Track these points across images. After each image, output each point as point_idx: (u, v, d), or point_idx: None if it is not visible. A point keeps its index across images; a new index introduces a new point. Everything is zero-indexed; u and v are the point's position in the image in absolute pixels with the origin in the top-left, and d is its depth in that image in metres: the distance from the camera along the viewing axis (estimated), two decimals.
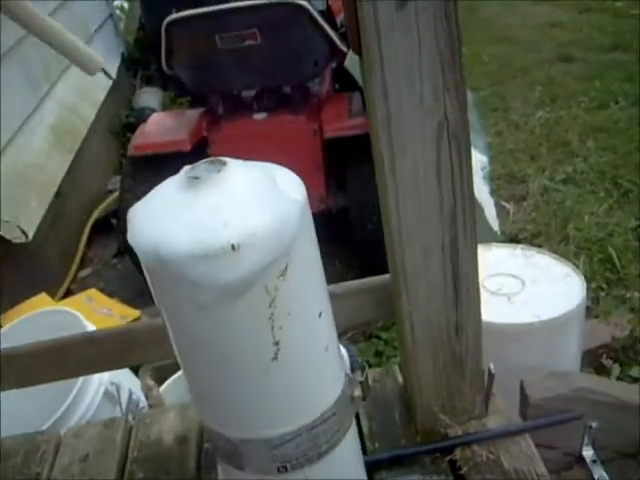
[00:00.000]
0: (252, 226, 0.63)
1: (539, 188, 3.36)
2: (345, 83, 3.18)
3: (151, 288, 0.71)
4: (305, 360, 0.74)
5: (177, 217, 0.65)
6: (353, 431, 0.88)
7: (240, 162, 0.70)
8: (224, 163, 0.67)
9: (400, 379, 1.33)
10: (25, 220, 2.86)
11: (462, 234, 1.02)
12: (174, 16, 2.55)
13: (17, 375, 1.24)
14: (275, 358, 0.70)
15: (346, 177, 2.78)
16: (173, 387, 1.77)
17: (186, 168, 0.69)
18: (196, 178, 0.66)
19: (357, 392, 0.84)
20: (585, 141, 3.73)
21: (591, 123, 3.93)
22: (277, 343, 0.69)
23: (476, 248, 1.04)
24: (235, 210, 0.64)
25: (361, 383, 0.85)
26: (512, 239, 3.01)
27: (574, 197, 3.22)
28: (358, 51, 0.92)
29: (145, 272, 0.69)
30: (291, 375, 0.73)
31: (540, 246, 2.94)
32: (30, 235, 2.80)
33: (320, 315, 0.74)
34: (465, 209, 0.99)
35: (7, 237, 2.69)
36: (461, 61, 0.89)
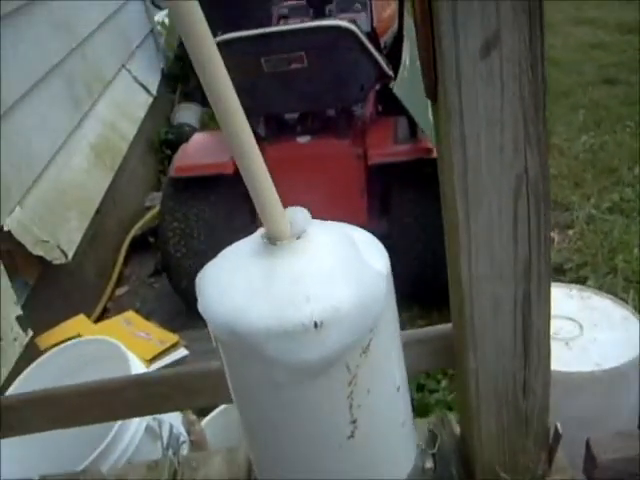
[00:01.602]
0: (336, 301, 0.58)
1: (584, 216, 3.28)
2: (388, 106, 3.14)
3: (222, 358, 0.66)
4: (382, 437, 0.69)
5: (254, 288, 0.61)
6: None
7: (319, 224, 0.66)
8: (304, 229, 0.63)
9: (456, 430, 1.27)
10: (65, 240, 2.85)
11: (535, 289, 0.96)
12: (220, 38, 2.54)
13: (63, 416, 1.21)
14: (351, 436, 0.65)
15: (389, 204, 2.74)
16: (215, 422, 1.73)
17: (262, 231, 0.64)
18: (274, 244, 0.61)
19: (429, 464, 0.79)
20: (632, 168, 3.64)
21: (638, 149, 3.84)
22: (354, 421, 0.65)
23: (549, 304, 0.98)
24: (318, 282, 0.59)
25: (433, 455, 0.80)
26: (557, 269, 2.94)
27: (622, 227, 3.14)
28: (433, 98, 0.88)
29: (216, 343, 0.65)
30: (366, 453, 0.68)
31: (586, 278, 2.87)
32: (70, 255, 2.79)
33: (398, 389, 0.69)
34: (540, 263, 0.94)
35: (47, 258, 2.67)
36: (545, 113, 0.83)
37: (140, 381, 1.20)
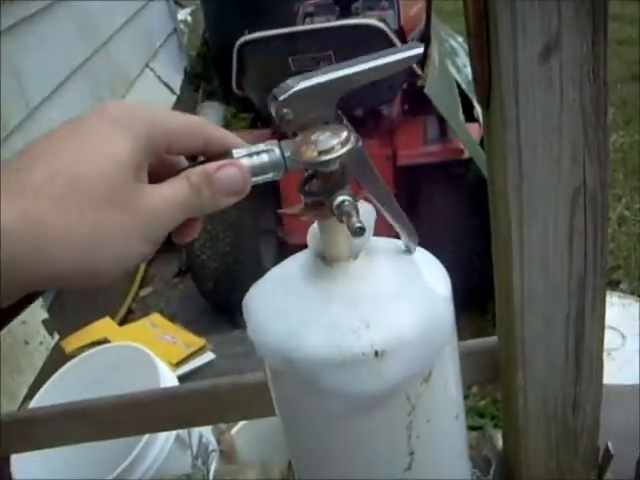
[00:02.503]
0: (399, 329, 0.54)
1: (616, 218, 3.21)
2: (415, 105, 3.09)
3: (270, 386, 0.62)
4: (439, 468, 0.65)
5: (308, 313, 0.57)
6: None
7: (375, 240, 0.61)
8: (361, 248, 0.58)
9: (499, 445, 1.23)
10: None
11: (590, 305, 0.92)
12: (247, 37, 2.50)
13: (90, 430, 1.18)
14: (408, 469, 0.61)
15: (419, 206, 2.69)
16: (244, 431, 1.69)
17: (314, 249, 0.60)
18: (329, 265, 0.57)
19: None
20: None
21: None
22: (412, 453, 0.60)
23: (604, 320, 0.94)
24: (378, 308, 0.55)
25: None
26: None
27: None
28: (486, 104, 0.83)
29: (267, 371, 0.61)
30: None
31: (619, 281, 2.81)
32: None
33: (457, 417, 0.64)
34: (596, 278, 0.89)
35: None
36: (606, 121, 0.79)
37: (173, 394, 1.17)
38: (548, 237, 0.86)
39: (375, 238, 0.61)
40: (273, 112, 0.56)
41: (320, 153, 0.53)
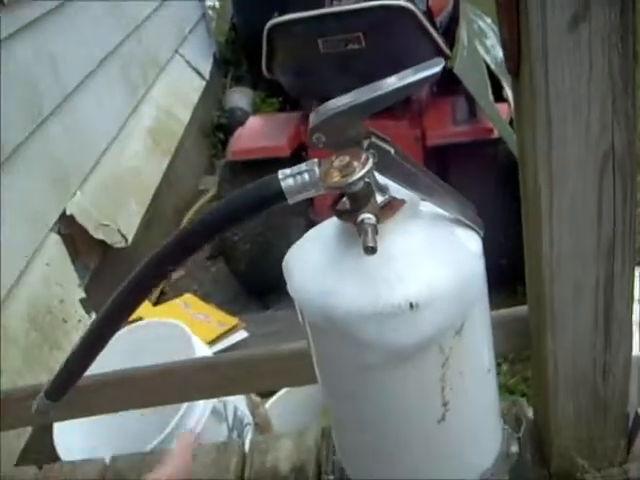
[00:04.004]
0: (432, 282, 0.57)
1: None
2: (443, 86, 3.09)
3: (309, 341, 0.66)
4: (472, 421, 0.68)
5: (345, 269, 0.60)
6: None
7: (412, 200, 0.64)
8: (396, 208, 0.61)
9: (529, 414, 1.25)
10: (125, 224, 2.88)
11: (620, 271, 0.93)
12: (277, 20, 2.52)
13: (132, 398, 1.22)
14: (442, 420, 0.64)
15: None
16: (278, 404, 1.73)
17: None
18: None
19: (514, 448, 0.78)
20: None
21: None
22: (445, 404, 0.63)
23: (632, 287, 0.95)
24: (412, 262, 0.58)
25: (519, 439, 0.78)
26: None
27: None
28: (515, 74, 0.85)
29: (306, 326, 0.64)
30: (456, 436, 0.67)
31: None
32: (130, 239, 2.82)
33: (489, 371, 0.67)
34: (625, 245, 0.91)
35: (108, 241, 2.71)
36: (634, 89, 0.80)
37: (209, 363, 1.21)
38: (577, 203, 0.88)
39: (413, 199, 0.64)
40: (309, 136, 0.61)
41: (343, 177, 0.57)
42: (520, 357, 2.41)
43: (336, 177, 0.57)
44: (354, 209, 0.59)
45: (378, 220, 0.58)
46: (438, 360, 0.60)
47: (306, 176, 0.60)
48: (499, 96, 2.67)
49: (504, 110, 2.59)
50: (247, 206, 0.61)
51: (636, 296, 1.60)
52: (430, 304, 0.57)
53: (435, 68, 0.60)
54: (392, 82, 0.59)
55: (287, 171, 0.60)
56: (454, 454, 0.69)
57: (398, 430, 0.65)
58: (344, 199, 0.62)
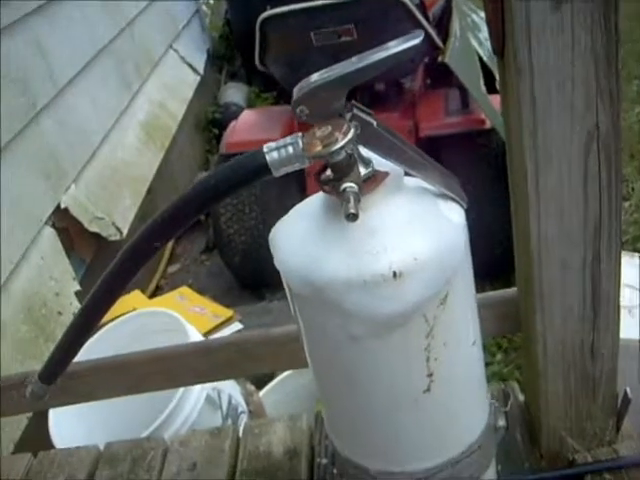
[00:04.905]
0: (415, 252, 0.58)
1: None
2: (437, 79, 3.10)
3: (296, 313, 0.66)
4: (457, 392, 0.69)
5: (330, 240, 0.60)
6: (493, 463, 0.82)
7: (395, 173, 0.65)
8: (380, 180, 0.62)
9: (520, 396, 1.26)
10: (120, 217, 2.89)
11: (606, 250, 0.94)
12: (269, 12, 2.52)
13: (126, 383, 1.23)
14: (427, 390, 0.65)
15: None
16: (272, 392, 1.74)
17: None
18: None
19: (501, 422, 0.79)
20: None
21: None
22: (431, 375, 0.64)
23: (619, 266, 0.96)
24: (395, 233, 0.59)
25: (505, 413, 0.79)
26: None
27: None
28: (500, 53, 0.86)
29: (291, 297, 0.65)
30: (442, 408, 0.68)
31: None
32: (125, 232, 2.82)
33: (474, 343, 0.68)
34: (612, 223, 0.92)
35: (103, 234, 2.71)
36: (618, 67, 0.81)
37: (204, 347, 1.22)
38: (563, 182, 0.89)
39: (395, 171, 0.65)
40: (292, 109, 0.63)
41: (325, 146, 0.59)
42: (514, 346, 2.42)
43: (318, 147, 0.58)
44: (336, 178, 0.60)
45: (361, 191, 0.58)
46: (422, 330, 0.61)
47: (290, 149, 0.61)
48: (492, 88, 2.68)
49: (496, 101, 2.60)
50: (232, 180, 0.62)
51: (623, 280, 1.61)
52: (413, 273, 0.58)
53: (415, 40, 0.61)
54: (374, 54, 0.60)
55: (272, 144, 0.61)
56: (441, 425, 0.70)
57: (384, 400, 0.66)
58: (328, 171, 0.63)
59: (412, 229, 0.60)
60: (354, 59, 0.61)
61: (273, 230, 0.67)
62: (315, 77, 0.61)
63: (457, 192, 0.68)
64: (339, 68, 0.60)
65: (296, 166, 0.61)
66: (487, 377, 1.29)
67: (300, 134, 0.62)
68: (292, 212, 0.68)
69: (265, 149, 0.61)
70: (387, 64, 0.61)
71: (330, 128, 0.59)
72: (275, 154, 0.61)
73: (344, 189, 0.58)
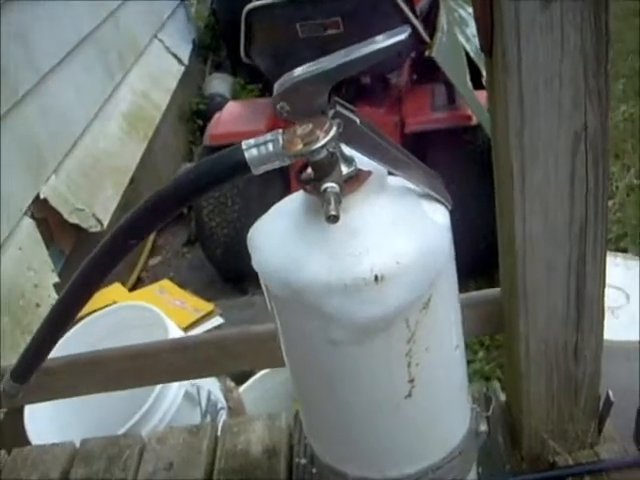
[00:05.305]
0: (398, 254, 0.56)
1: (625, 187, 3.21)
2: (423, 74, 3.09)
3: (274, 315, 0.64)
4: (439, 398, 0.67)
5: (310, 241, 0.59)
6: (474, 467, 0.81)
7: (378, 173, 0.63)
8: (362, 180, 0.60)
9: (501, 397, 1.25)
10: (100, 208, 2.85)
11: (591, 252, 0.93)
12: (255, 4, 2.50)
13: (102, 380, 1.20)
14: (408, 396, 0.63)
15: None
16: (252, 389, 1.72)
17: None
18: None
19: (483, 427, 0.77)
20: None
21: None
22: (412, 380, 0.63)
23: (604, 268, 0.95)
24: (378, 235, 0.57)
25: (487, 418, 0.78)
26: None
27: None
28: (489, 51, 0.84)
29: (270, 299, 0.63)
30: (423, 413, 0.67)
31: (626, 249, 2.81)
32: (105, 224, 2.79)
33: (456, 348, 0.66)
34: (597, 225, 0.91)
35: (83, 226, 2.68)
36: (607, 67, 0.80)
37: (182, 345, 1.20)
38: (550, 182, 0.87)
39: (378, 171, 0.63)
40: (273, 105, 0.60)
41: (305, 145, 0.56)
42: (496, 344, 2.41)
43: (299, 145, 0.56)
44: (318, 178, 0.58)
45: (343, 191, 0.57)
46: (404, 335, 0.60)
47: (270, 146, 0.58)
48: (479, 84, 2.67)
49: (483, 97, 2.58)
50: (209, 177, 0.59)
51: (608, 281, 1.60)
52: (395, 276, 0.56)
53: (402, 35, 0.59)
54: (359, 49, 0.58)
55: (251, 141, 0.59)
56: (421, 431, 0.68)
57: (365, 405, 0.64)
58: (309, 170, 0.61)
59: (395, 230, 0.58)
60: (339, 53, 0.58)
61: (252, 229, 0.65)
62: (298, 72, 0.59)
63: (441, 192, 0.66)
64: (323, 63, 0.58)
65: (276, 164, 0.59)
66: (469, 375, 1.28)
67: (281, 131, 0.59)
68: (272, 210, 0.66)
69: (244, 146, 0.58)
70: (373, 59, 0.59)
71: (311, 126, 0.57)
72: (254, 151, 0.58)
73: (325, 189, 0.56)
